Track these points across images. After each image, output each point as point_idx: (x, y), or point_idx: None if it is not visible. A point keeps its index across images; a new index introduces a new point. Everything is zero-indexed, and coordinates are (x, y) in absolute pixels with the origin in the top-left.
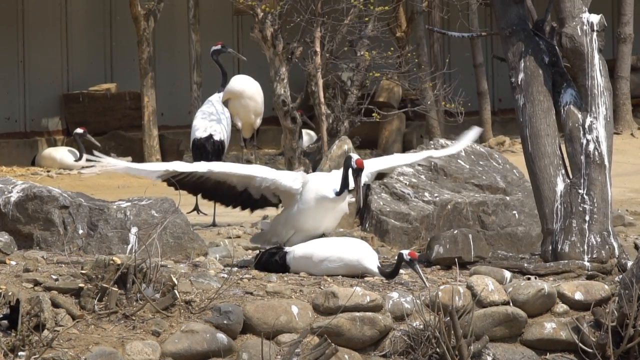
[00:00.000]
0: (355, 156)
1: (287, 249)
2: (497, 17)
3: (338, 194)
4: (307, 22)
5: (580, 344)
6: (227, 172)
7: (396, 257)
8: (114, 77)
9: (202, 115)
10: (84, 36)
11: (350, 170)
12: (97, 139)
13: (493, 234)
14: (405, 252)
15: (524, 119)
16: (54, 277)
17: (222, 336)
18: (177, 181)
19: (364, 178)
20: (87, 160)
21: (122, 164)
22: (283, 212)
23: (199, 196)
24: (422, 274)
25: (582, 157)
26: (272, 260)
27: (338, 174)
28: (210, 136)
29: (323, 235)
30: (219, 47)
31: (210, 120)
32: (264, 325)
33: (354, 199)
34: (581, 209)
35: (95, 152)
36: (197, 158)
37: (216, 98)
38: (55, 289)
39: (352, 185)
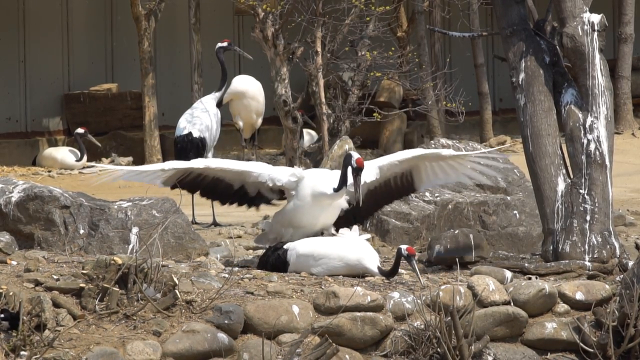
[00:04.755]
0: (355, 155)
1: (288, 245)
2: (498, 17)
3: (336, 190)
4: (308, 22)
5: (581, 344)
6: (224, 168)
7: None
8: (115, 77)
9: (186, 114)
10: (84, 36)
11: (349, 169)
12: (98, 139)
13: (494, 234)
14: (403, 247)
15: (524, 119)
16: (55, 277)
17: (223, 336)
18: (178, 181)
19: (372, 176)
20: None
21: (119, 169)
22: (281, 210)
23: (198, 194)
24: (418, 271)
25: (583, 157)
26: (275, 256)
27: (336, 172)
28: (190, 134)
29: (322, 234)
30: (225, 44)
31: (193, 118)
32: (265, 325)
33: None
34: (582, 209)
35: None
36: (177, 156)
37: (209, 98)
38: (56, 289)
39: (350, 181)
